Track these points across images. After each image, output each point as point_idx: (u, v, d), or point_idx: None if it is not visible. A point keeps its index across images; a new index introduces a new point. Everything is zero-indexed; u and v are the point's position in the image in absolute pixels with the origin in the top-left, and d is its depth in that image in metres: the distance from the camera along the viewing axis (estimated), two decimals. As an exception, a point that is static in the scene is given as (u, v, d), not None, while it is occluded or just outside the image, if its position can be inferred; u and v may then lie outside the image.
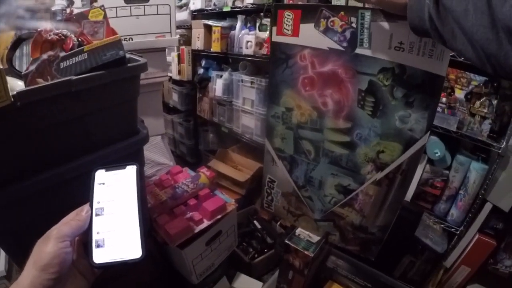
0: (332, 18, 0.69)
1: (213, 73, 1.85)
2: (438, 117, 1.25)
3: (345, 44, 0.68)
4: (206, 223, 0.99)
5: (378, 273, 1.11)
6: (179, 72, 2.08)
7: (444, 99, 1.27)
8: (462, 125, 1.27)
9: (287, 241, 0.88)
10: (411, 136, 0.68)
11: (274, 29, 0.77)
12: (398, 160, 0.70)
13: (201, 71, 2.00)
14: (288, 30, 0.74)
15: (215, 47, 1.83)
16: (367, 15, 0.64)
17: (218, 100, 1.91)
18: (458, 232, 1.37)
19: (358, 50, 0.67)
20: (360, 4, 0.66)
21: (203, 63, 2.02)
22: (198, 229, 0.97)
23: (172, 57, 2.08)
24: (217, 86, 1.80)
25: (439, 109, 1.26)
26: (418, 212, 1.31)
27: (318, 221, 0.86)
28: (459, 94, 1.31)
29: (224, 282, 1.20)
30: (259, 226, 1.43)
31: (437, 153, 1.24)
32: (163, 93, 2.28)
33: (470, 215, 1.34)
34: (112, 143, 0.71)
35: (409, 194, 1.35)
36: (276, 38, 0.77)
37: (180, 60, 2.07)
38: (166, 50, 2.04)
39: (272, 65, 0.79)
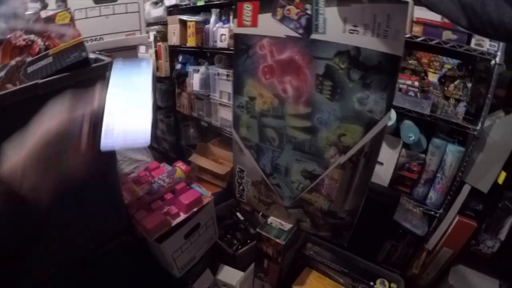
0: (288, 7, 0.69)
1: (190, 68, 1.85)
2: (411, 101, 1.25)
3: (301, 31, 0.69)
4: (182, 216, 1.00)
5: (358, 259, 1.12)
6: (158, 69, 2.07)
7: (417, 83, 1.28)
8: (436, 108, 1.28)
9: (258, 230, 0.89)
10: (371, 118, 0.68)
11: (235, 21, 0.77)
12: (360, 143, 0.70)
13: (178, 66, 1.99)
14: (247, 21, 0.75)
15: (191, 41, 1.82)
16: (321, 0, 0.64)
17: (196, 95, 1.90)
18: (437, 215, 1.39)
19: (314, 36, 0.67)
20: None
21: (180, 58, 2.01)
22: (175, 222, 0.98)
23: (149, 54, 2.07)
24: (194, 80, 1.80)
25: (412, 93, 1.27)
26: (396, 196, 1.32)
27: (288, 208, 0.87)
28: (433, 77, 1.31)
29: (207, 275, 1.21)
30: (241, 218, 1.44)
31: (411, 137, 1.25)
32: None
33: (449, 197, 1.35)
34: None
35: (386, 179, 1.36)
36: (237, 30, 0.77)
37: (157, 56, 2.06)
38: (144, 47, 2.05)
39: (235, 57, 0.80)
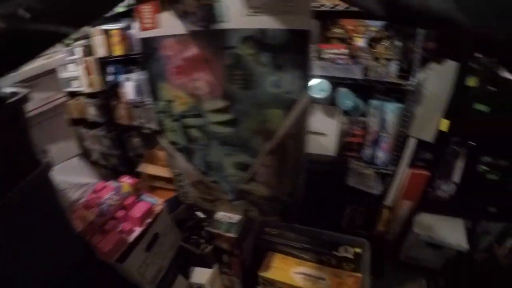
0: (186, 0, 0.67)
1: (122, 77, 1.79)
2: (342, 69, 1.28)
3: (202, 23, 0.66)
4: (137, 230, 0.99)
5: (319, 231, 1.15)
6: (90, 84, 1.97)
7: (345, 50, 1.30)
8: (368, 71, 1.31)
9: (208, 228, 0.88)
10: (289, 99, 0.67)
11: (138, 25, 0.74)
12: (283, 126, 0.70)
13: (110, 78, 1.92)
14: (149, 23, 0.72)
15: (118, 50, 1.75)
16: (218, -12, 0.62)
17: (132, 103, 1.84)
18: (390, 172, 1.44)
19: (216, 26, 0.64)
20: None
21: (111, 69, 1.93)
22: (131, 238, 0.96)
23: (79, 70, 1.97)
24: (128, 89, 1.74)
25: (341, 61, 1.29)
26: (343, 162, 1.36)
27: (233, 201, 0.86)
28: (360, 42, 1.34)
29: (181, 281, 1.20)
30: (202, 216, 1.42)
31: (348, 103, 1.28)
32: (80, 110, 2.18)
33: (397, 153, 1.41)
34: (12, 185, 0.67)
35: (332, 148, 1.39)
36: (141, 34, 0.74)
37: (88, 72, 1.96)
38: (73, 65, 1.96)
39: (144, 62, 0.77)
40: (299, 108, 0.68)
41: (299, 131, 0.71)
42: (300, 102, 0.67)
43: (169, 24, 0.69)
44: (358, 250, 1.08)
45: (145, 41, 0.74)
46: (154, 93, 0.77)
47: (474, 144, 1.42)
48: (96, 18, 0.50)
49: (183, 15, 0.68)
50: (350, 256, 1.06)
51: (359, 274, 1.04)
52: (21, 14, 0.33)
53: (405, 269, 1.63)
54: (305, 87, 0.66)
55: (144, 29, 0.73)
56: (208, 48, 0.67)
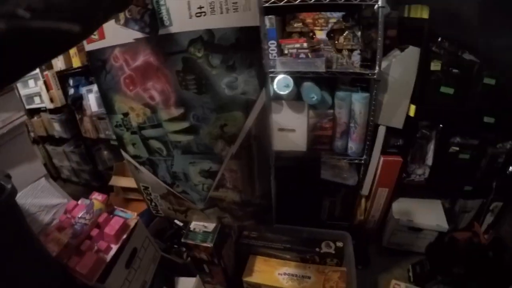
0: (128, 7, 0.64)
1: (83, 90, 1.73)
2: (304, 63, 1.26)
3: (147, 30, 0.63)
4: (114, 247, 0.95)
5: (299, 229, 1.14)
6: (51, 100, 1.90)
7: (305, 44, 1.29)
8: (331, 63, 1.30)
9: (183, 240, 0.86)
10: (246, 100, 0.65)
11: (84, 38, 0.70)
12: (244, 128, 0.68)
13: (71, 91, 1.85)
14: (95, 35, 0.68)
15: (76, 62, 1.70)
16: (159, -10, 0.59)
17: (97, 116, 1.79)
18: (363, 162, 1.44)
19: (162, 31, 0.62)
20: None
21: (71, 82, 1.87)
22: (109, 257, 0.92)
23: (39, 86, 1.89)
24: (91, 101, 1.69)
25: (303, 55, 1.28)
26: (316, 157, 1.35)
27: (204, 209, 0.84)
28: (321, 35, 1.33)
29: (166, 293, 1.17)
30: (181, 224, 1.39)
31: (313, 97, 1.27)
32: (45, 127, 2.11)
33: (368, 142, 1.41)
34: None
35: (303, 143, 1.38)
36: (88, 47, 0.70)
37: (48, 87, 1.89)
38: (32, 81, 1.88)
39: (94, 76, 0.73)
40: (258, 108, 0.66)
41: (262, 131, 0.69)
42: (258, 102, 0.65)
43: (115, 33, 0.66)
44: (339, 244, 1.07)
45: (92, 54, 0.70)
46: (109, 107, 0.74)
47: (443, 126, 1.44)
48: (101, 16, 0.46)
49: (126, 23, 0.65)
50: (332, 251, 1.05)
51: (343, 268, 1.03)
52: (21, 14, 0.32)
53: (389, 255, 1.65)
54: (262, 85, 0.64)
55: (91, 41, 0.70)
56: (157, 55, 0.65)
